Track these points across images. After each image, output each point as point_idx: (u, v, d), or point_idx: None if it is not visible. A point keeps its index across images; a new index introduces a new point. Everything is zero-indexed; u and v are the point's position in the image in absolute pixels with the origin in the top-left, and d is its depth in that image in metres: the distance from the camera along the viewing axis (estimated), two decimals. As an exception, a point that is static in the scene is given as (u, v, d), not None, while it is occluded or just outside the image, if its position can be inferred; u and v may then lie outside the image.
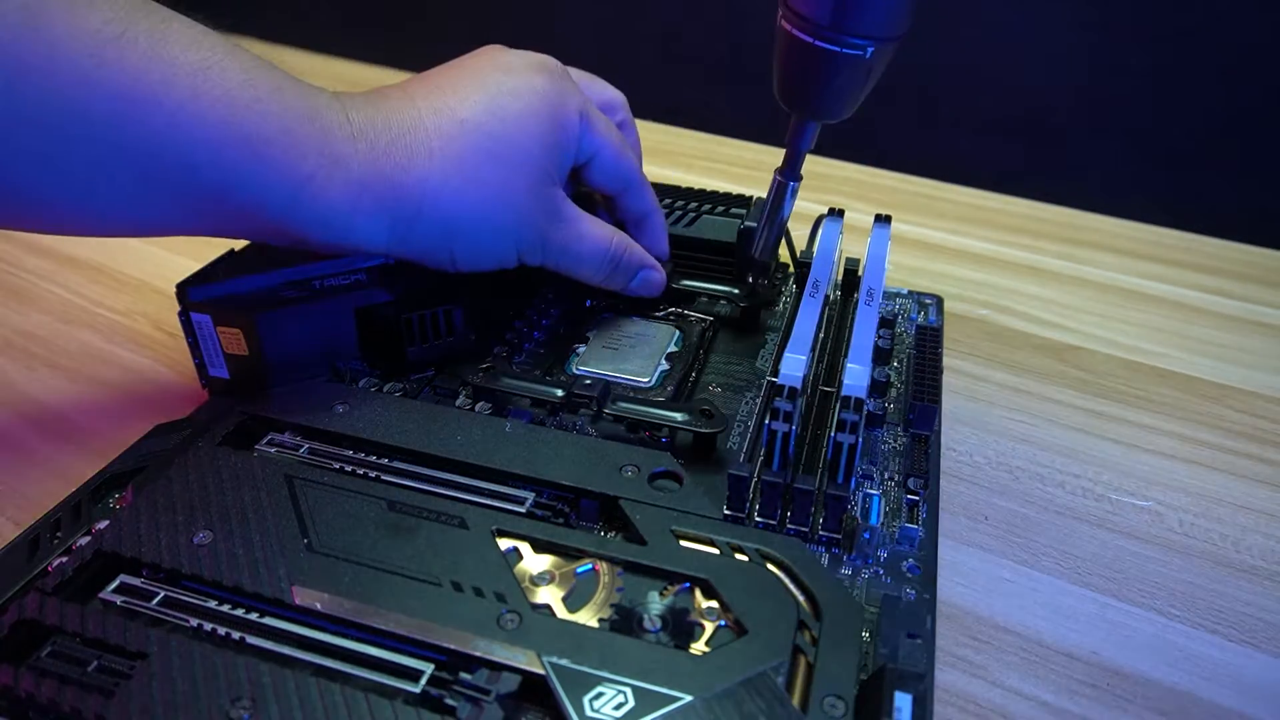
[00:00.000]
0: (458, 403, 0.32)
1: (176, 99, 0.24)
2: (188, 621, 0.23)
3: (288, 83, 0.27)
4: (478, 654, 0.21)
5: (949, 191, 0.56)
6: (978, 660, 0.25)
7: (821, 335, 0.32)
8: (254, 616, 0.23)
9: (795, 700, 0.21)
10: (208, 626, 0.23)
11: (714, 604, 0.24)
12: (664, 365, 0.34)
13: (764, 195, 0.40)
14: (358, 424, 0.29)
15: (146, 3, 0.25)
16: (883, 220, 0.37)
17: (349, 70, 0.75)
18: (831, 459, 0.27)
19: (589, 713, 0.20)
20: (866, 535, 0.27)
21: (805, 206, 0.50)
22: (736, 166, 0.59)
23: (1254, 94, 0.62)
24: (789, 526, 0.27)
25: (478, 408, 0.31)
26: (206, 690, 0.20)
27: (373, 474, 0.28)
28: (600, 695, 0.21)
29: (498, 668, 0.21)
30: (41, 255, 0.45)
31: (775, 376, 0.27)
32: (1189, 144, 0.66)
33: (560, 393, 0.31)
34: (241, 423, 0.29)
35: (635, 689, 0.21)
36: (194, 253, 0.45)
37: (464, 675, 0.21)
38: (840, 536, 0.27)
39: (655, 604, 0.24)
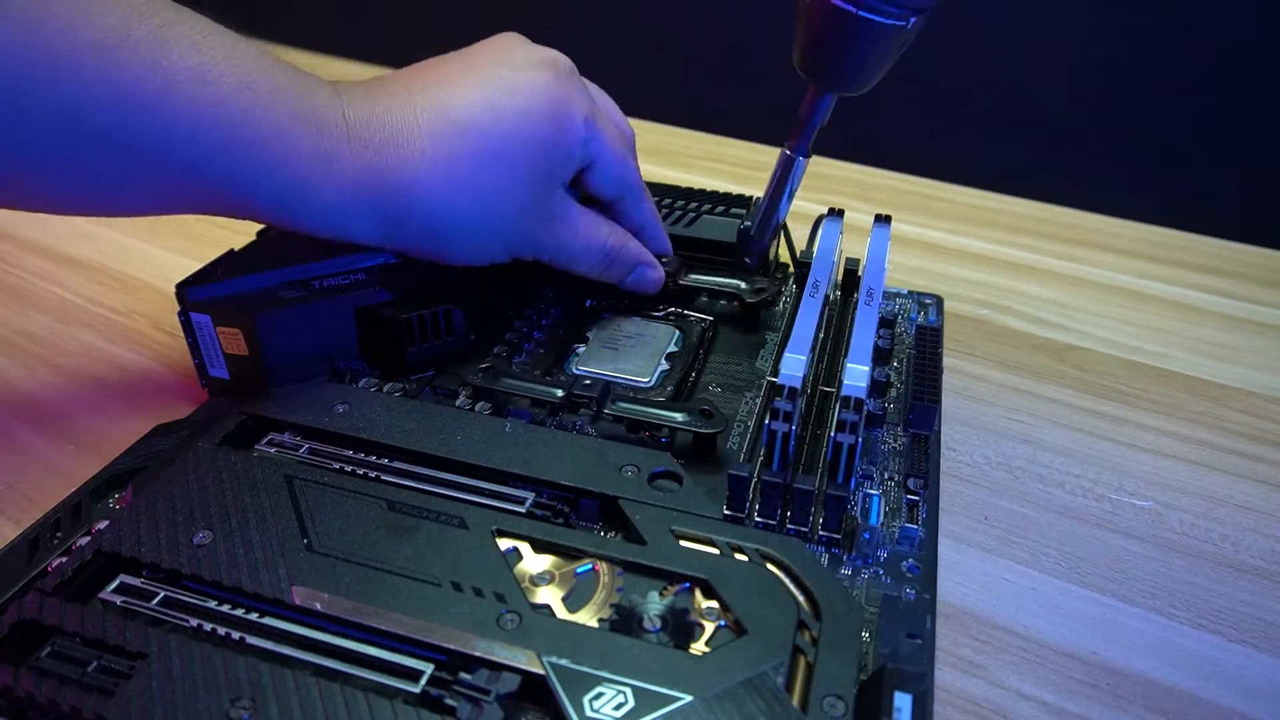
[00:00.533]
0: (458, 403, 0.32)
1: (174, 106, 0.25)
2: (188, 621, 0.23)
3: (286, 81, 0.28)
4: (477, 654, 0.21)
5: (949, 191, 0.56)
6: (978, 660, 0.25)
7: (821, 335, 0.32)
8: (254, 616, 0.23)
9: (795, 700, 0.21)
10: (208, 626, 0.23)
11: (714, 604, 0.24)
12: (664, 365, 0.34)
13: (760, 196, 0.40)
14: (358, 424, 0.29)
15: (148, 4, 0.25)
16: (883, 220, 0.37)
17: (349, 70, 0.75)
18: (831, 459, 0.27)
19: (589, 713, 0.20)
20: (866, 535, 0.27)
21: (805, 206, 0.50)
22: (736, 166, 0.59)
23: (1254, 94, 0.62)
24: (789, 526, 0.27)
25: (478, 408, 0.31)
26: (206, 690, 0.20)
27: (373, 474, 0.28)
28: (600, 695, 0.21)
29: (497, 668, 0.21)
30: (41, 255, 0.45)
31: (775, 376, 0.27)
32: (1189, 144, 0.66)
33: (560, 393, 0.31)
34: (241, 423, 0.29)
35: (635, 689, 0.21)
36: (194, 253, 0.45)
37: (464, 675, 0.21)
38: (840, 536, 0.27)
39: (655, 604, 0.24)
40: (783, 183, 0.34)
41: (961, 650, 0.25)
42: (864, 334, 0.29)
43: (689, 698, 0.20)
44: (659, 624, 0.23)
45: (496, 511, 0.26)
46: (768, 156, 0.60)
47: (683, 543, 0.25)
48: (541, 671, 0.21)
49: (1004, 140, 0.71)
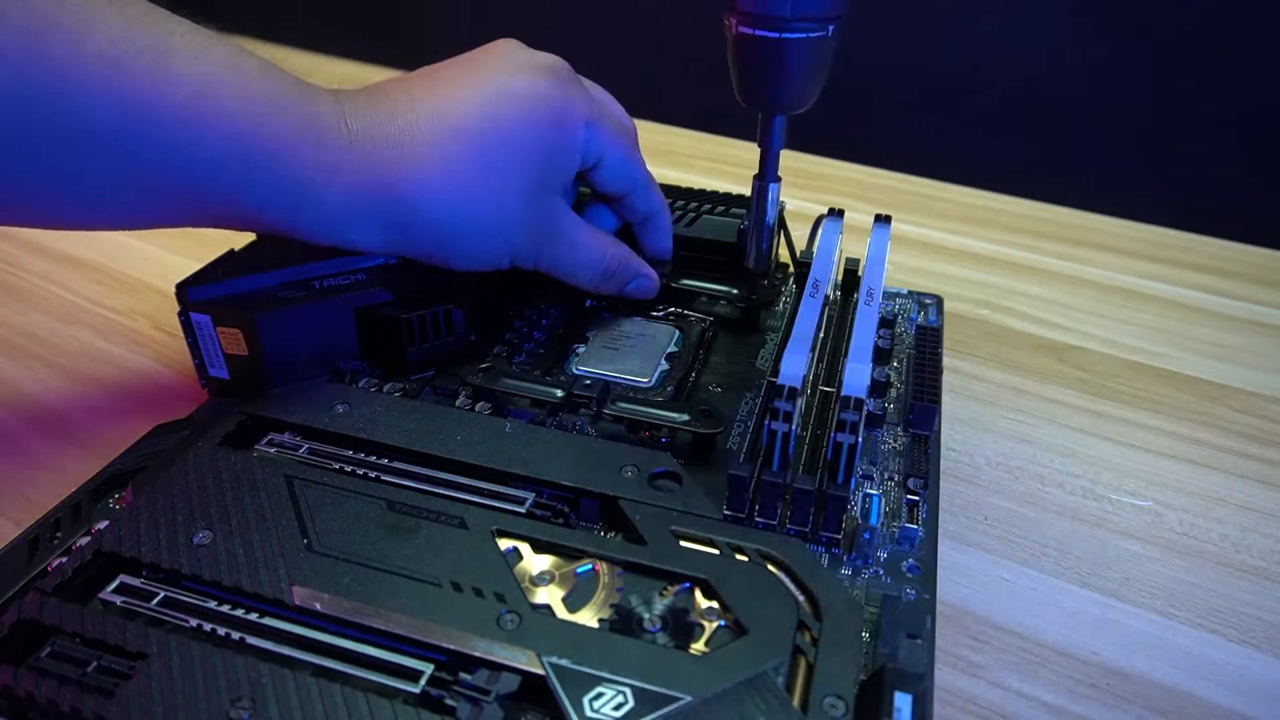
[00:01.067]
0: (458, 403, 0.32)
1: (177, 117, 0.25)
2: (187, 622, 0.23)
3: (287, 90, 0.28)
4: (477, 654, 0.21)
5: (949, 191, 0.56)
6: (978, 660, 0.25)
7: (821, 335, 0.32)
8: (254, 617, 0.23)
9: (795, 700, 0.21)
10: (207, 627, 0.23)
11: (714, 604, 0.24)
12: (664, 365, 0.34)
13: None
14: (358, 424, 0.29)
15: (149, 14, 0.25)
16: (883, 220, 0.37)
17: (349, 70, 0.75)
18: (831, 459, 0.27)
19: (589, 713, 0.20)
20: (866, 535, 0.27)
21: (805, 206, 0.50)
22: (736, 166, 0.59)
23: (1254, 94, 0.62)
24: (789, 526, 0.27)
25: (478, 408, 0.31)
26: (206, 690, 0.20)
27: (372, 474, 0.28)
28: (600, 695, 0.21)
29: (497, 668, 0.21)
30: (41, 255, 0.45)
31: (775, 376, 0.27)
32: (1189, 144, 0.66)
33: (560, 393, 0.31)
34: (241, 423, 0.29)
35: (635, 689, 0.21)
36: (194, 253, 0.45)
37: (464, 675, 0.21)
38: (840, 537, 0.27)
39: (655, 604, 0.24)
40: (761, 211, 0.35)
41: (961, 650, 0.26)
42: (864, 334, 0.29)
43: (689, 698, 0.20)
44: (659, 624, 0.23)
45: (496, 511, 0.26)
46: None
47: (683, 543, 0.25)
48: (541, 672, 0.21)
49: (1004, 140, 0.71)
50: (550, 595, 0.24)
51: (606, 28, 0.80)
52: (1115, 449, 0.34)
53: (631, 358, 0.34)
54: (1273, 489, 0.32)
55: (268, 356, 0.30)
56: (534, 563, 0.25)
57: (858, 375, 0.27)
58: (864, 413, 0.27)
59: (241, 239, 0.33)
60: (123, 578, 0.24)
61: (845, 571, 0.26)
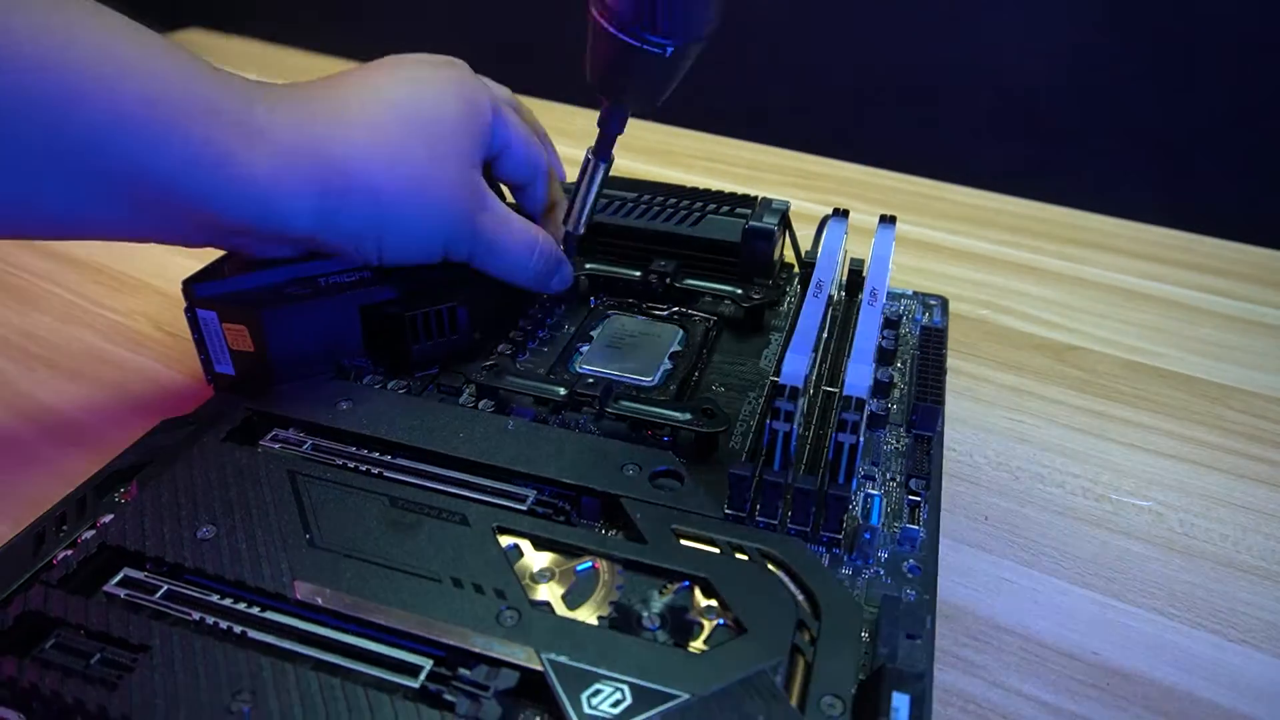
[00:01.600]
0: (461, 400, 0.32)
1: (77, 76, 0.24)
2: (190, 615, 0.23)
3: (199, 63, 0.27)
4: (477, 650, 0.22)
5: (949, 191, 0.56)
6: (978, 660, 0.25)
7: (824, 335, 0.32)
8: (256, 611, 0.23)
9: (793, 699, 0.21)
10: (210, 620, 0.23)
11: (713, 603, 0.24)
12: (667, 364, 0.34)
13: (765, 195, 0.40)
14: (361, 421, 0.29)
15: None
16: (887, 221, 0.37)
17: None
18: (833, 459, 0.27)
19: (587, 710, 0.20)
20: (867, 535, 0.27)
21: (808, 207, 0.50)
22: (736, 166, 0.59)
23: (1254, 93, 0.62)
24: (790, 526, 0.27)
25: (481, 405, 0.31)
26: (208, 683, 0.20)
27: (375, 470, 0.28)
28: (598, 692, 0.21)
29: (497, 664, 0.21)
30: (41, 255, 0.45)
31: (778, 376, 0.27)
32: (1189, 144, 0.66)
33: (563, 391, 0.31)
34: (246, 419, 0.29)
35: (633, 686, 0.21)
36: (194, 253, 0.45)
37: (463, 671, 0.21)
38: (841, 536, 0.27)
39: (655, 602, 0.24)
40: (583, 181, 0.35)
41: (961, 650, 0.26)
42: (867, 334, 0.29)
43: (687, 696, 0.20)
44: (658, 622, 0.23)
45: (498, 508, 0.26)
46: (767, 156, 0.61)
47: (683, 541, 0.25)
48: (540, 668, 0.21)
49: (1004, 140, 0.71)
50: (550, 592, 0.24)
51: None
52: (1115, 449, 0.34)
53: (635, 357, 0.35)
54: (1273, 489, 0.32)
55: (273, 353, 0.30)
56: (534, 560, 0.25)
57: (859, 375, 0.27)
58: (865, 413, 0.27)
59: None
60: (127, 571, 0.24)
61: (846, 571, 0.26)
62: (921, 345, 0.35)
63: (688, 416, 0.29)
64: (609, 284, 0.39)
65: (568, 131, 0.64)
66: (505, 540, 0.25)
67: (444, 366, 0.34)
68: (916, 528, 0.27)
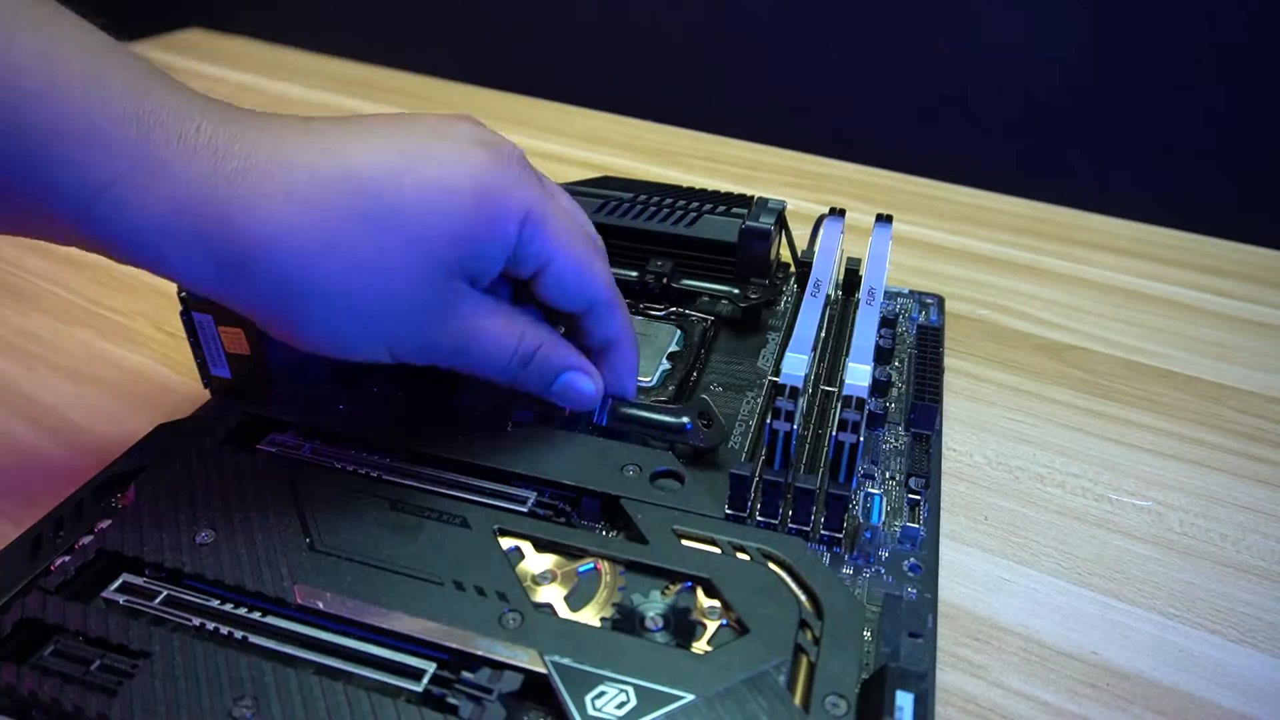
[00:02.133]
0: (460, 402, 0.32)
1: None
2: (190, 620, 0.23)
3: (128, 77, 0.23)
4: (480, 653, 0.22)
5: (949, 191, 0.56)
6: (978, 660, 0.25)
7: (823, 335, 0.32)
8: (256, 616, 0.23)
9: (797, 699, 0.21)
10: (210, 625, 0.23)
11: (715, 603, 0.24)
12: (665, 365, 0.34)
13: (762, 195, 0.40)
14: (360, 423, 0.29)
15: None
16: (884, 220, 0.37)
17: (350, 70, 0.75)
18: (833, 458, 0.27)
19: (591, 711, 0.20)
20: (868, 534, 0.27)
21: (806, 206, 0.50)
22: (736, 166, 0.59)
23: (1254, 94, 0.62)
24: (790, 526, 0.27)
25: (480, 407, 0.31)
26: (209, 689, 0.20)
27: (375, 473, 0.28)
28: (602, 694, 0.21)
29: (500, 666, 0.21)
30: (42, 255, 0.45)
31: (777, 376, 0.27)
32: (1188, 144, 0.66)
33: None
34: (244, 422, 0.29)
35: (637, 688, 0.21)
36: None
37: (466, 674, 0.21)
38: (842, 536, 0.27)
39: (657, 603, 0.24)
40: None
41: (962, 650, 0.26)
42: (865, 333, 0.29)
43: (691, 696, 0.20)
44: (661, 623, 0.23)
45: (498, 511, 0.26)
46: (767, 156, 0.61)
47: (684, 542, 0.25)
48: (544, 670, 0.21)
49: (1004, 140, 0.72)
50: (552, 594, 0.24)
51: (607, 28, 0.80)
52: (1115, 449, 0.34)
53: (633, 357, 0.34)
54: (1273, 489, 0.32)
55: (270, 356, 0.30)
56: (536, 562, 0.25)
57: (859, 375, 0.27)
58: (865, 412, 0.27)
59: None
60: (125, 576, 0.24)
61: (847, 570, 0.26)
62: (919, 344, 0.35)
63: (684, 421, 0.29)
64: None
65: (568, 131, 0.64)
66: (506, 542, 0.25)
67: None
68: (917, 526, 0.27)
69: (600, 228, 0.39)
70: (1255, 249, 0.50)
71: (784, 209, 0.38)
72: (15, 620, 0.22)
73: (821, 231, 0.36)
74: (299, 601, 0.23)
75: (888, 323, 0.36)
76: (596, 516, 0.27)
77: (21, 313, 0.40)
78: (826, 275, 0.32)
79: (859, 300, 0.31)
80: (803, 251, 0.37)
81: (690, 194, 0.40)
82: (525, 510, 0.26)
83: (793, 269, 0.40)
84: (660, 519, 0.26)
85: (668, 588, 0.24)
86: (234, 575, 0.23)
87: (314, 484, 0.26)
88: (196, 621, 0.23)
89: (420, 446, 0.28)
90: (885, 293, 0.40)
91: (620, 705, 0.20)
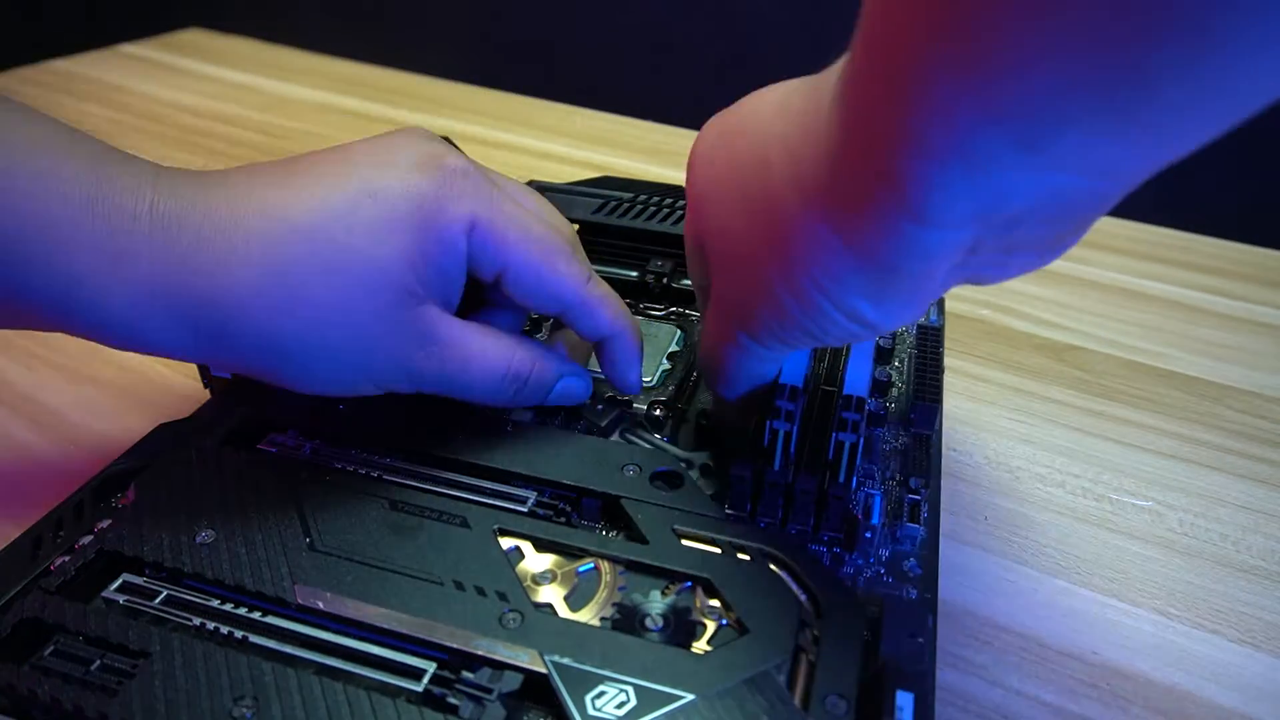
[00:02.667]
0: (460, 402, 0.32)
1: None
2: (190, 620, 0.23)
3: (79, 165, 0.24)
4: (480, 653, 0.22)
5: (949, 191, 0.56)
6: (978, 660, 0.25)
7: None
8: (257, 615, 0.23)
9: (797, 699, 0.21)
10: (210, 625, 0.23)
11: (716, 603, 0.24)
12: (665, 364, 0.34)
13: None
14: (360, 423, 0.29)
15: None
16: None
17: (350, 70, 0.75)
18: (833, 458, 0.27)
19: (591, 711, 0.20)
20: (868, 534, 0.27)
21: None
22: (737, 166, 0.59)
23: (1253, 94, 0.62)
24: (790, 525, 0.27)
25: (479, 407, 0.31)
26: (209, 689, 0.20)
27: (375, 473, 0.28)
28: (602, 694, 0.21)
29: (500, 666, 0.21)
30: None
31: (777, 376, 0.27)
32: (1188, 144, 0.66)
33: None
34: (244, 422, 0.29)
35: (637, 688, 0.21)
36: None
37: (466, 674, 0.21)
38: (842, 535, 0.27)
39: (657, 603, 0.24)
40: None
41: (962, 650, 0.26)
42: (865, 334, 0.29)
43: (691, 696, 0.20)
44: (661, 623, 0.23)
45: (498, 510, 0.26)
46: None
47: (684, 542, 0.25)
48: (544, 670, 0.21)
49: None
50: (552, 594, 0.24)
51: (606, 27, 0.80)
52: (1115, 449, 0.34)
53: (633, 357, 0.34)
54: (1273, 489, 0.32)
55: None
56: (536, 562, 0.25)
57: (859, 374, 0.27)
58: (865, 412, 0.27)
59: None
60: (125, 576, 0.24)
61: (847, 570, 0.26)
62: (918, 343, 0.35)
63: (684, 453, 0.29)
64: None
65: (569, 132, 0.64)
66: (506, 542, 0.25)
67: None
68: (917, 526, 0.27)
69: (600, 228, 0.39)
70: (1255, 249, 0.50)
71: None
72: (15, 620, 0.22)
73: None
74: (299, 601, 0.23)
75: (888, 323, 0.36)
76: (596, 516, 0.27)
77: (21, 313, 0.40)
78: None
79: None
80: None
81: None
82: (525, 510, 0.26)
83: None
84: (660, 519, 0.26)
85: (668, 588, 0.24)
86: (234, 575, 0.23)
87: (314, 484, 0.26)
88: (197, 621, 0.23)
89: (420, 446, 0.28)
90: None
91: (620, 705, 0.20)
